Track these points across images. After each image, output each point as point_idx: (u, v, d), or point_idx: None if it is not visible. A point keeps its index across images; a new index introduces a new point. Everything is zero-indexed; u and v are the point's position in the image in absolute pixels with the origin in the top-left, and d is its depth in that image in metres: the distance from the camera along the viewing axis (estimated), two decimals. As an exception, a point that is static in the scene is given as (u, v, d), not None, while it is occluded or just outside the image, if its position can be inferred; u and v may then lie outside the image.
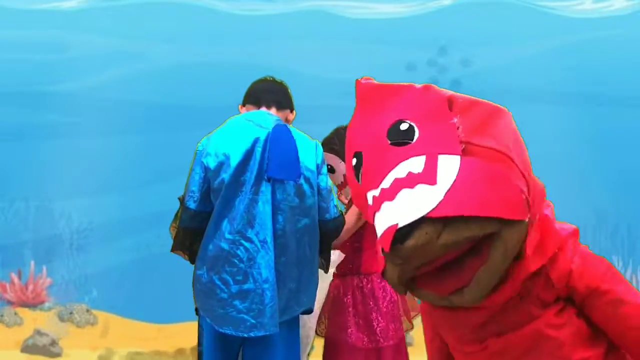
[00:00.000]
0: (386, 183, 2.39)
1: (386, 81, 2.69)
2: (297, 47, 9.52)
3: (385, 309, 4.53)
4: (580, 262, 2.56)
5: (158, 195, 8.53)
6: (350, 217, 4.47)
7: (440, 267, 2.41)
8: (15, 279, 8.98)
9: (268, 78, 4.31)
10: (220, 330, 4.00)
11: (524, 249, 2.43)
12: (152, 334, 8.80)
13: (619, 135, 9.32)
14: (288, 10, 9.95)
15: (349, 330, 4.52)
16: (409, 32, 9.66)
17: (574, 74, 9.57)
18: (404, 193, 2.34)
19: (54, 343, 8.40)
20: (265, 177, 3.97)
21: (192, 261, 4.11)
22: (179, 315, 7.85)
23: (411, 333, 4.81)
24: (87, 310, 8.90)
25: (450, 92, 2.57)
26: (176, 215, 4.09)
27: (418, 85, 2.59)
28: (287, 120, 4.21)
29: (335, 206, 4.20)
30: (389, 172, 2.42)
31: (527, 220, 2.37)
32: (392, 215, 2.33)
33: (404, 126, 2.45)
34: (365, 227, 4.51)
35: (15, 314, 8.83)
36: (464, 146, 2.41)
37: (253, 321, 3.94)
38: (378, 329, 4.51)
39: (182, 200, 4.07)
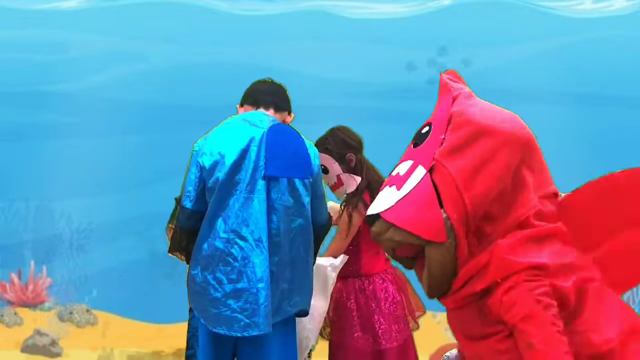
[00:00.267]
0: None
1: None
2: (297, 47, 9.50)
3: (387, 310, 4.51)
4: (514, 296, 2.66)
5: (158, 195, 8.51)
6: (342, 225, 4.47)
7: (416, 255, 2.83)
8: (15, 279, 8.98)
9: (267, 80, 4.31)
10: (214, 330, 3.97)
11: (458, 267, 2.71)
12: (151, 334, 8.79)
13: (619, 135, 9.31)
14: (288, 10, 9.93)
15: (356, 335, 4.50)
16: (409, 32, 9.64)
17: (574, 74, 9.56)
18: (386, 188, 2.84)
19: (54, 343, 8.40)
20: (262, 176, 3.95)
21: (189, 262, 4.09)
22: (179, 315, 7.81)
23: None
24: (87, 310, 8.89)
25: (467, 103, 2.75)
26: (172, 215, 4.08)
27: (462, 90, 2.78)
28: (284, 122, 4.19)
29: (327, 211, 4.22)
30: (398, 166, 2.85)
31: (447, 243, 2.66)
32: (374, 202, 2.88)
33: (425, 129, 2.81)
34: (360, 230, 4.48)
35: (15, 314, 8.83)
36: (433, 163, 2.72)
37: (247, 320, 3.91)
38: (380, 331, 4.49)
39: (178, 201, 4.07)
